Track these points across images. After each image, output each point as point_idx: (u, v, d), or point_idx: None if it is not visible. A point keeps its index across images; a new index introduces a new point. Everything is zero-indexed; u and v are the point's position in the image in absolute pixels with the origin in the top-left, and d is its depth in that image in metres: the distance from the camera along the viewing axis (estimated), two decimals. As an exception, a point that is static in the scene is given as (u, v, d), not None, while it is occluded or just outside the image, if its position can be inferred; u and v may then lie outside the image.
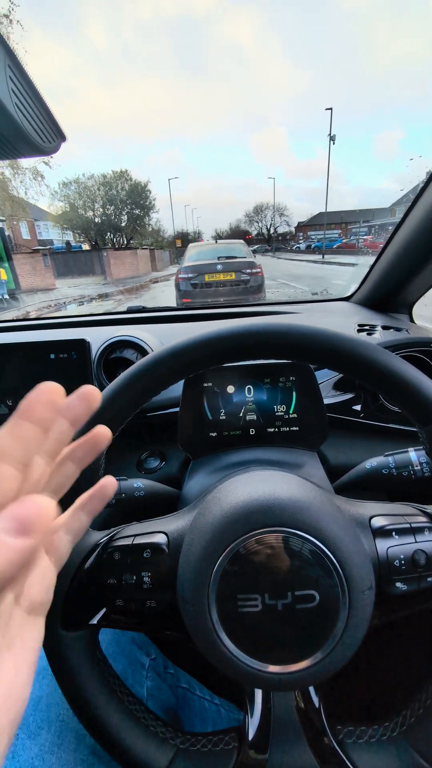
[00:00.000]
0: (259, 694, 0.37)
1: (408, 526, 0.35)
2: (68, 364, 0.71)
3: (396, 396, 0.35)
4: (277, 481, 0.37)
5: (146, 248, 24.00)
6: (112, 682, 0.36)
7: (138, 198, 32.56)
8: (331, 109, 29.22)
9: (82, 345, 0.70)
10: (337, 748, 0.34)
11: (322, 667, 0.31)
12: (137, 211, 33.27)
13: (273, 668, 0.31)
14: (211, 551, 0.32)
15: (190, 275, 5.47)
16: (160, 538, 0.36)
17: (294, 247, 42.50)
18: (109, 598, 0.35)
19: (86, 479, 0.35)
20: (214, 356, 0.36)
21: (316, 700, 0.36)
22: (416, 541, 0.34)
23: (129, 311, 1.21)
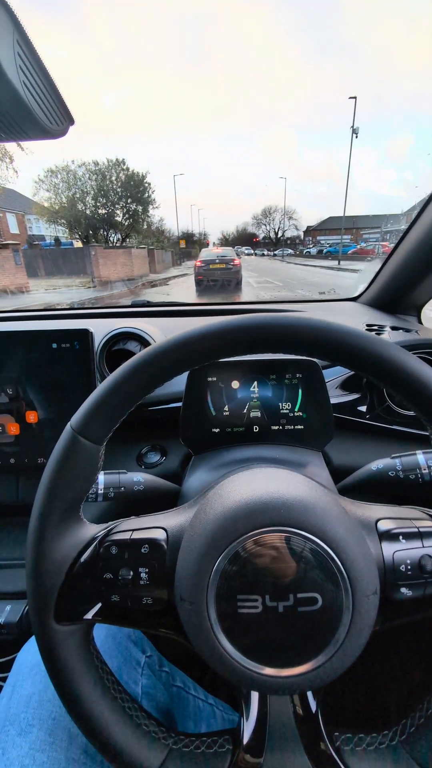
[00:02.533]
0: (255, 696, 0.36)
1: (416, 530, 0.34)
2: (70, 354, 0.69)
3: (409, 395, 0.33)
4: (281, 479, 0.36)
5: (143, 248, 21.32)
6: (106, 678, 0.35)
7: (134, 190, 27.43)
8: (355, 98, 25.57)
9: (85, 335, 0.69)
10: (334, 754, 0.33)
11: (322, 672, 0.30)
12: (134, 206, 28.23)
13: (271, 671, 0.30)
14: (211, 549, 0.31)
15: (202, 264, 11.41)
16: (159, 534, 0.35)
17: (304, 252, 40.54)
18: (104, 593, 0.34)
19: (86, 479, 0.34)
20: (216, 349, 0.34)
21: (313, 704, 0.35)
22: (423, 546, 0.33)
23: (134, 305, 1.20)
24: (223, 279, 11.34)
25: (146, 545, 0.34)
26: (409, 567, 0.32)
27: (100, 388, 0.34)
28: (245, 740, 0.34)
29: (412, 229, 0.84)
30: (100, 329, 0.78)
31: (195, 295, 10.72)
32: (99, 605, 0.34)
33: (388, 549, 0.33)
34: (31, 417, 0.71)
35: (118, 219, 28.46)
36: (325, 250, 36.28)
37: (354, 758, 0.33)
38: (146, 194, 28.18)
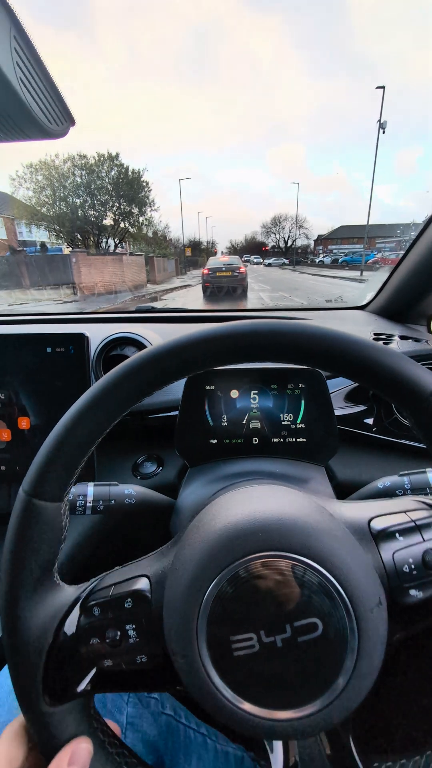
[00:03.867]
0: (278, 742, 0.33)
1: (413, 524, 0.31)
2: (65, 359, 0.67)
3: (404, 404, 0.30)
4: (260, 497, 0.33)
5: (139, 255, 18.21)
6: (116, 753, 0.31)
7: (128, 189, 22.14)
8: (383, 87, 22.74)
9: (81, 339, 0.67)
10: None
11: (339, 704, 0.26)
12: (128, 207, 22.86)
13: (284, 714, 0.26)
14: (193, 593, 0.27)
15: (209, 272, 11.51)
16: (142, 584, 0.32)
17: (317, 261, 38.42)
18: (94, 661, 0.30)
19: (52, 541, 0.31)
20: (210, 357, 0.31)
21: (344, 736, 0.31)
22: (424, 540, 0.30)
23: (138, 311, 1.19)
24: (228, 286, 11.50)
25: (129, 599, 0.31)
26: (413, 566, 0.29)
27: (48, 441, 0.30)
28: None
29: (422, 237, 0.82)
30: (99, 334, 0.76)
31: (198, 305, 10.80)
32: (92, 672, 0.30)
33: (387, 551, 0.30)
34: (24, 423, 0.68)
35: (110, 221, 23.18)
36: (341, 260, 33.99)
37: None
38: (142, 193, 22.86)
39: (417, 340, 0.80)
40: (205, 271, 11.88)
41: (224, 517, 0.31)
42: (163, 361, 0.30)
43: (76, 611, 0.31)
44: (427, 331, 0.96)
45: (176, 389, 0.64)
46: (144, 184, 22.82)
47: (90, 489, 0.52)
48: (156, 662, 0.30)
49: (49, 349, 0.67)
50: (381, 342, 0.81)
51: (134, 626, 0.30)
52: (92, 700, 0.32)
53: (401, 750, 0.32)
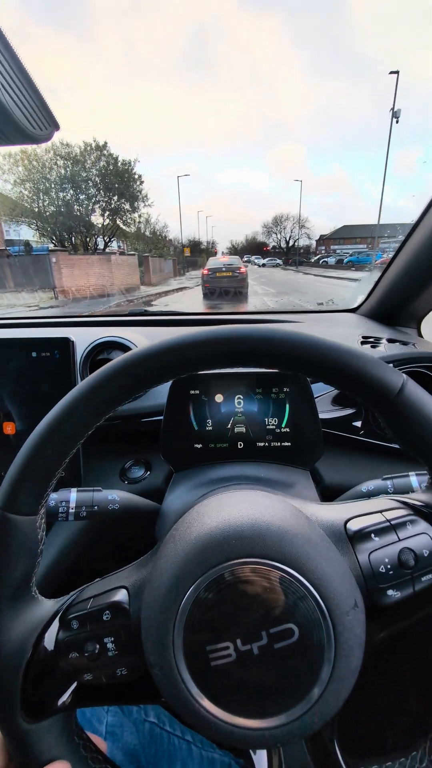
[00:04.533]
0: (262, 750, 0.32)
1: (387, 523, 0.31)
2: (50, 363, 0.67)
3: (370, 403, 0.30)
4: (235, 504, 0.32)
5: (132, 254, 16.78)
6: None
7: (118, 181, 19.19)
8: (397, 72, 20.68)
9: (66, 344, 0.67)
10: None
11: (321, 706, 0.26)
12: (118, 201, 19.79)
13: (265, 723, 0.26)
14: (169, 603, 0.27)
15: (209, 272, 11.22)
16: (121, 595, 0.31)
17: (320, 262, 35.88)
18: (74, 675, 0.30)
19: (27, 555, 0.31)
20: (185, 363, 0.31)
21: (327, 740, 0.31)
22: (399, 539, 0.30)
23: (131, 314, 1.18)
24: (228, 286, 11.12)
25: (107, 612, 0.30)
26: (389, 566, 0.29)
27: (20, 454, 0.30)
28: None
29: (411, 238, 0.82)
30: (86, 338, 0.76)
31: (199, 303, 10.71)
32: (74, 687, 0.30)
33: (363, 552, 0.30)
34: (9, 428, 0.68)
35: (99, 218, 20.03)
36: (346, 260, 32.07)
37: None
38: (133, 187, 19.75)
39: (404, 343, 0.79)
40: (205, 272, 11.62)
41: (198, 525, 0.30)
42: (137, 368, 0.30)
43: (54, 625, 0.31)
44: (417, 334, 0.96)
45: (164, 394, 0.63)
46: (135, 176, 19.94)
47: (73, 495, 0.52)
48: (136, 675, 0.30)
49: (34, 354, 0.66)
50: (368, 345, 0.81)
51: (113, 639, 0.30)
52: (74, 715, 0.32)
53: (386, 752, 0.32)
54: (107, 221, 20.34)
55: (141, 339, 0.81)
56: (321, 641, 0.26)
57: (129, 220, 21.22)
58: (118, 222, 20.76)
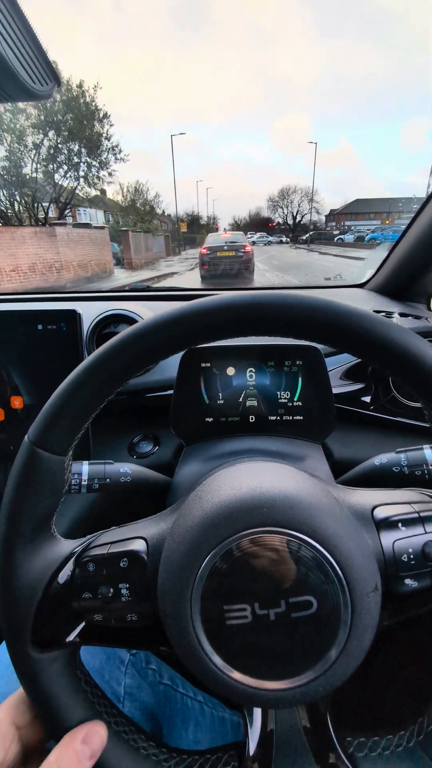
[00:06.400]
0: (258, 709, 0.34)
1: (417, 515, 0.31)
2: (57, 336, 0.66)
3: (414, 383, 0.29)
4: (265, 473, 0.33)
5: (100, 227, 12.08)
6: (98, 702, 0.32)
7: (78, 126, 12.93)
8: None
9: (73, 316, 0.65)
10: (347, 762, 0.31)
11: (324, 679, 0.27)
12: (76, 149, 13.50)
13: (269, 685, 0.27)
14: (192, 558, 0.28)
15: (208, 251, 9.60)
16: (139, 545, 0.32)
17: (336, 239, 30.66)
18: (85, 614, 0.31)
19: (52, 494, 0.31)
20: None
21: (322, 709, 0.33)
22: (426, 532, 0.30)
23: (132, 289, 1.16)
24: (232, 269, 9.41)
25: (125, 558, 0.31)
26: (411, 556, 0.30)
27: (58, 391, 0.30)
28: (251, 753, 0.32)
29: (421, 214, 0.80)
30: (91, 311, 0.74)
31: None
32: (82, 625, 0.31)
33: (387, 539, 0.30)
34: (17, 402, 0.67)
35: (47, 178, 13.56)
36: (367, 237, 27.24)
37: (368, 764, 0.31)
38: (93, 125, 13.26)
39: (417, 318, 0.78)
40: (203, 251, 9.78)
41: (229, 488, 0.31)
42: (177, 327, 0.30)
43: (70, 565, 0.31)
44: (427, 308, 0.95)
45: (171, 368, 0.62)
46: (94, 108, 13.08)
47: (85, 467, 0.52)
48: (145, 622, 0.31)
49: (40, 327, 0.65)
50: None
51: (128, 585, 0.30)
52: (78, 651, 0.33)
53: (375, 729, 0.33)
54: (61, 181, 13.73)
55: (148, 313, 0.79)
56: (337, 618, 0.26)
57: (91, 179, 14.01)
58: (80, 183, 13.94)
